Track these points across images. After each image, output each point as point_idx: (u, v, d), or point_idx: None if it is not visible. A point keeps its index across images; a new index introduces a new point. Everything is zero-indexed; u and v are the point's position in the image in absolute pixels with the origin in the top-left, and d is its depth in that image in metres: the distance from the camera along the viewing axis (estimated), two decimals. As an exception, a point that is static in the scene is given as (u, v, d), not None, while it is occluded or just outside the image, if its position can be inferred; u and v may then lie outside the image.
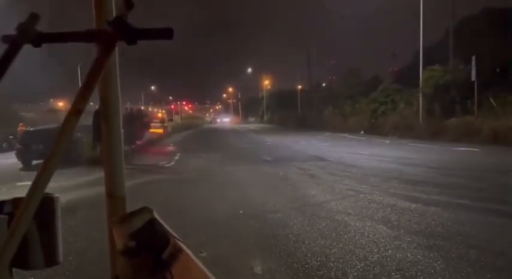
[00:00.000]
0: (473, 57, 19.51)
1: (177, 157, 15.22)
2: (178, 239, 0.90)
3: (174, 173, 11.03)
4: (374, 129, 26.36)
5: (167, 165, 12.96)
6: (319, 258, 4.03)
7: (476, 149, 14.20)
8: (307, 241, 4.61)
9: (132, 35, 0.89)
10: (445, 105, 20.94)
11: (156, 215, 0.93)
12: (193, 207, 6.81)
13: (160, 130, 32.91)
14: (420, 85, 23.54)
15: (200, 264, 0.83)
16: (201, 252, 4.19)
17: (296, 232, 4.98)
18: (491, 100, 18.73)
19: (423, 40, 24.20)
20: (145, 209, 0.96)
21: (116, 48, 1.09)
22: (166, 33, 0.91)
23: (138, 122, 19.73)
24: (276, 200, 6.93)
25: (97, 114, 14.22)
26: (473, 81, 19.09)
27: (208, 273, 0.84)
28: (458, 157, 12.70)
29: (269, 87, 74.32)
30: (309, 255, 4.15)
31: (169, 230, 0.92)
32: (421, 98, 23.05)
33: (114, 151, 1.03)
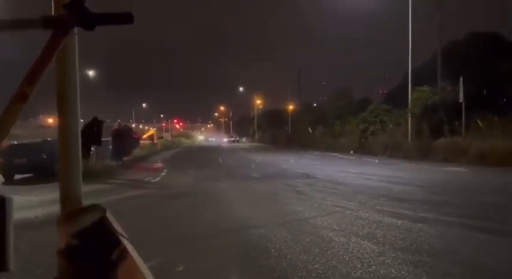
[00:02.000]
0: (461, 79, 19.75)
1: (163, 173, 15.02)
2: (126, 238, 0.85)
3: (159, 189, 10.84)
4: (364, 148, 26.42)
5: (153, 180, 12.75)
6: (300, 274, 3.88)
7: (463, 169, 14.22)
8: (289, 256, 4.46)
9: (90, 20, 0.83)
10: (433, 125, 21.08)
11: (108, 214, 0.86)
12: (175, 222, 6.64)
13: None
14: (409, 106, 23.76)
15: (144, 268, 0.81)
16: (178, 267, 4.03)
17: (278, 247, 4.83)
18: (479, 122, 18.90)
19: (412, 61, 24.64)
20: (96, 207, 0.88)
21: (76, 37, 1.00)
22: (126, 18, 0.86)
23: (126, 138, 19.66)
24: (261, 215, 6.79)
25: (88, 127, 14.08)
26: (461, 102, 19.29)
27: (150, 277, 0.81)
28: (446, 176, 12.69)
29: (260, 106, 74.82)
30: (289, 270, 4.00)
31: (120, 230, 0.85)
32: (410, 118, 23.24)
33: (71, 149, 0.96)
